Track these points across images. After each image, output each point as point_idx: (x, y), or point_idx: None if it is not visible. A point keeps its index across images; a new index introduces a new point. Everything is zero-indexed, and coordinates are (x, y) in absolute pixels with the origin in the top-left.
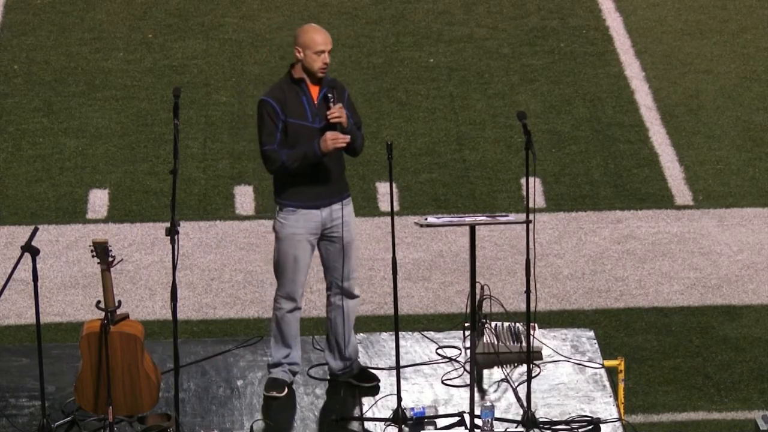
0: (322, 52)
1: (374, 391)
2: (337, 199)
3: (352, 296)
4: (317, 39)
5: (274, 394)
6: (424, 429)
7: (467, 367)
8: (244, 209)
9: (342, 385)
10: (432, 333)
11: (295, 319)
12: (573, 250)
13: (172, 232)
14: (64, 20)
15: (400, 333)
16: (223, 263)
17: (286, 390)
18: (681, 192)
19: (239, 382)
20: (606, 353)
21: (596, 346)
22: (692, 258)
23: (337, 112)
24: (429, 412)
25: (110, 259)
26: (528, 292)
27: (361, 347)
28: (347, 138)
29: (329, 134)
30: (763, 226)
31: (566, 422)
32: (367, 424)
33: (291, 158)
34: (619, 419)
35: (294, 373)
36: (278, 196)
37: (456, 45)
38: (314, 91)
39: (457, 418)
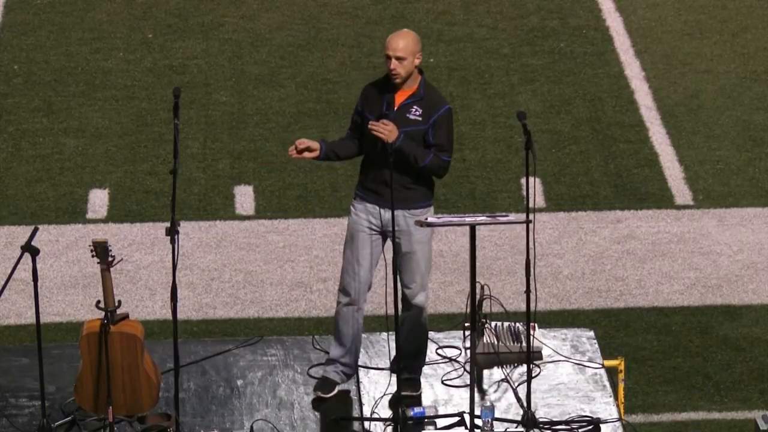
0: (388, 57)
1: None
2: (401, 206)
3: (408, 306)
4: (387, 42)
5: (319, 394)
6: (424, 429)
7: (467, 367)
8: (244, 209)
9: (342, 385)
10: (432, 333)
11: (350, 315)
12: (573, 250)
13: (172, 232)
14: (64, 20)
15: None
16: (223, 263)
17: (334, 392)
18: (681, 192)
19: (239, 382)
20: (606, 353)
21: (596, 346)
22: (692, 258)
23: (375, 126)
24: (429, 412)
25: (110, 258)
26: (528, 292)
27: (361, 347)
28: (378, 128)
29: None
30: (763, 226)
31: (566, 422)
32: (367, 424)
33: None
34: (619, 419)
35: (348, 376)
36: (355, 187)
37: (456, 45)
38: (400, 95)
39: (457, 418)
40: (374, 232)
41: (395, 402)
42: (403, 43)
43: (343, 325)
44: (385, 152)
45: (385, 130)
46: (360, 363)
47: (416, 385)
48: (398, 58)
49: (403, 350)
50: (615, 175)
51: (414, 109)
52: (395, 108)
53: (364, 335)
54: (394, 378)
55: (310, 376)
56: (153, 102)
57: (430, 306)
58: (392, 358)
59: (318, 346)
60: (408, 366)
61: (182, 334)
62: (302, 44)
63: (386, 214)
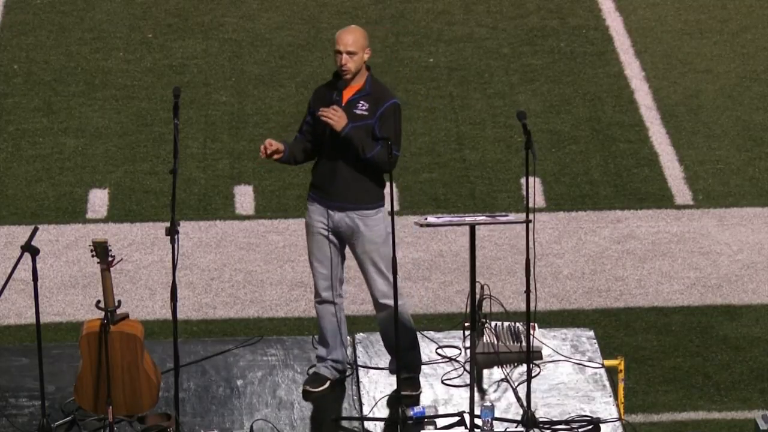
0: (339, 52)
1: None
2: (351, 207)
3: (378, 307)
4: (337, 38)
5: (307, 388)
6: (424, 429)
7: (467, 367)
8: (244, 209)
9: (342, 385)
10: (432, 333)
11: (326, 312)
12: (573, 250)
13: (172, 232)
14: (64, 20)
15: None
16: (223, 263)
17: (324, 386)
18: (681, 192)
19: (239, 382)
20: (606, 353)
21: (596, 345)
22: (692, 258)
23: (325, 112)
24: (429, 412)
25: (110, 258)
26: (528, 291)
27: (360, 347)
28: (327, 114)
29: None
30: (763, 225)
31: (566, 422)
32: (367, 424)
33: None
34: (619, 419)
35: (339, 371)
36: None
37: (456, 45)
38: (348, 91)
39: (457, 418)
40: (328, 232)
41: (395, 402)
42: (353, 38)
43: (322, 323)
44: (336, 144)
45: (335, 116)
46: (360, 363)
47: (416, 384)
48: (349, 53)
49: (393, 350)
50: (615, 175)
51: (360, 104)
52: (343, 104)
53: (364, 335)
54: (393, 378)
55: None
56: (153, 102)
57: (429, 305)
58: (390, 359)
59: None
60: (406, 365)
61: (182, 334)
62: (302, 44)
63: (334, 215)
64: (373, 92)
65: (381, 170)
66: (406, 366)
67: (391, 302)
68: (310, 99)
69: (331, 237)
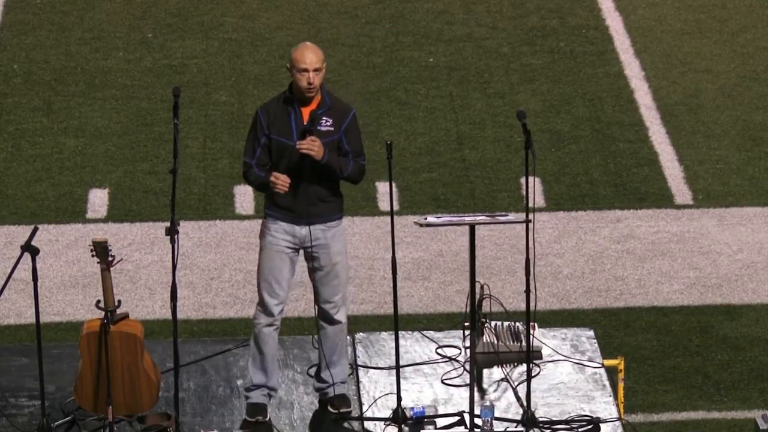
0: (305, 71)
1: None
2: (318, 220)
3: (331, 321)
4: (300, 57)
5: (260, 419)
6: (424, 429)
7: (467, 366)
8: (243, 209)
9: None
10: (432, 332)
11: (270, 335)
12: (573, 250)
13: (171, 232)
14: (64, 20)
15: (400, 332)
16: (223, 263)
17: (266, 416)
18: (681, 191)
19: (239, 382)
20: (606, 353)
21: (596, 345)
22: (692, 257)
23: (306, 144)
24: (429, 412)
25: (110, 258)
26: (528, 291)
27: (360, 347)
28: (309, 146)
29: (281, 177)
30: (762, 225)
31: (566, 422)
32: (367, 424)
33: (253, 179)
34: (619, 419)
35: (271, 398)
36: (265, 206)
37: (456, 45)
38: (307, 108)
39: (457, 418)
40: (292, 250)
41: (395, 402)
42: (317, 56)
43: (264, 347)
44: (309, 169)
45: (315, 147)
46: (360, 363)
47: (348, 401)
48: (316, 70)
49: (328, 368)
50: (615, 175)
51: (324, 120)
52: (304, 122)
53: (363, 334)
54: (393, 378)
55: (310, 376)
56: (153, 102)
57: (429, 305)
58: (316, 374)
59: (316, 346)
60: (336, 384)
61: (182, 334)
62: None
63: (302, 230)
64: (334, 106)
65: (354, 182)
66: (338, 385)
67: (341, 317)
68: (260, 119)
69: (293, 255)
